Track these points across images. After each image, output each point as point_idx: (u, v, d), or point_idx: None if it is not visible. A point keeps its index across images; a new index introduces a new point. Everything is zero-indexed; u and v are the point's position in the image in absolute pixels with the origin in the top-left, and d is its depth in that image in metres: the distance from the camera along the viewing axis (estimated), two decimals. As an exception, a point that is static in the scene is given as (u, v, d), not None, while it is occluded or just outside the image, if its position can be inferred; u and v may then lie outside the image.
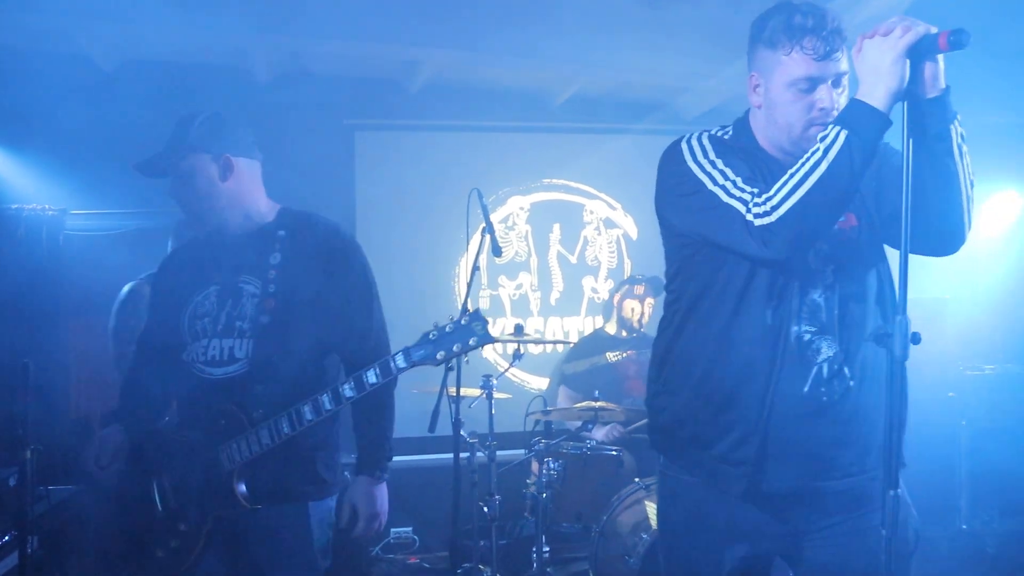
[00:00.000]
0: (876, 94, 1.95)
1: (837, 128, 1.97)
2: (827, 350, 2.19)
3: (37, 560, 2.81)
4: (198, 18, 4.86)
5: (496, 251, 4.39)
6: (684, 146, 2.25)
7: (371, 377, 2.56)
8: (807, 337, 2.19)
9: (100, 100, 5.22)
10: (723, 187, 2.09)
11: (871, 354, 2.22)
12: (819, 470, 2.21)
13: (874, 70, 1.95)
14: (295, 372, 2.65)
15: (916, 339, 1.91)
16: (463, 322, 2.55)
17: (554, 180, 6.77)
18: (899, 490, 2.17)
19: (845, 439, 2.22)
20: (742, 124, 2.33)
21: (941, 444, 5.94)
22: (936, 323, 6.23)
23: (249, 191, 2.78)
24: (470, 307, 2.72)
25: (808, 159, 1.98)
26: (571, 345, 5.99)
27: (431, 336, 2.56)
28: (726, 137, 2.30)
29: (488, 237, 4.38)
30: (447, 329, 2.56)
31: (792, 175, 1.99)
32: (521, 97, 6.56)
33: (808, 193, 1.96)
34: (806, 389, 2.18)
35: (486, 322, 2.56)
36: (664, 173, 2.30)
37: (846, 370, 2.20)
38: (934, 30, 1.92)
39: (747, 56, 2.26)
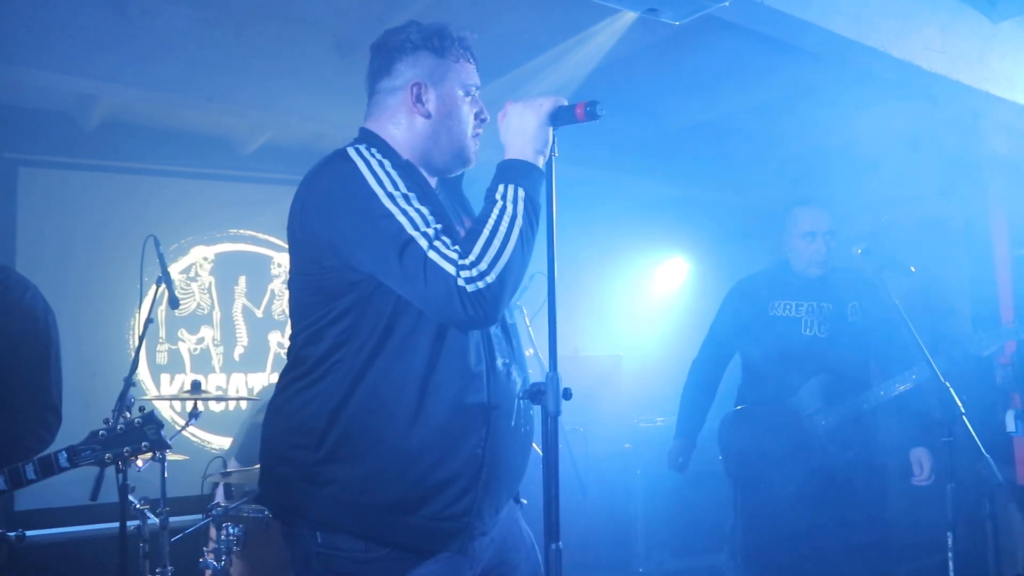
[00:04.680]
0: (527, 155, 2.00)
1: (512, 185, 1.96)
2: (519, 380, 2.15)
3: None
4: None
5: (173, 303, 4.14)
6: (363, 168, 1.98)
7: (30, 473, 2.42)
8: (507, 369, 2.12)
9: None
10: (425, 235, 1.87)
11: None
12: (509, 497, 2.21)
13: (521, 133, 2.02)
14: None
15: (567, 395, 1.93)
16: (136, 423, 2.46)
17: (241, 231, 6.54)
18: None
19: (523, 465, 2.22)
20: (379, 143, 2.12)
21: (618, 493, 6.26)
22: (612, 379, 6.61)
23: None
24: (145, 408, 2.56)
25: (499, 217, 1.92)
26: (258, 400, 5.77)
27: (100, 435, 2.45)
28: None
29: (165, 288, 4.12)
30: (118, 429, 2.45)
31: (492, 236, 1.90)
32: (208, 142, 6.30)
33: (513, 252, 1.90)
34: (512, 424, 2.11)
35: (161, 426, 2.50)
36: (340, 195, 1.98)
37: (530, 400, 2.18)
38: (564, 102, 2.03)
39: (391, 66, 2.17)
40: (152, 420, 2.48)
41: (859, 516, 3.80)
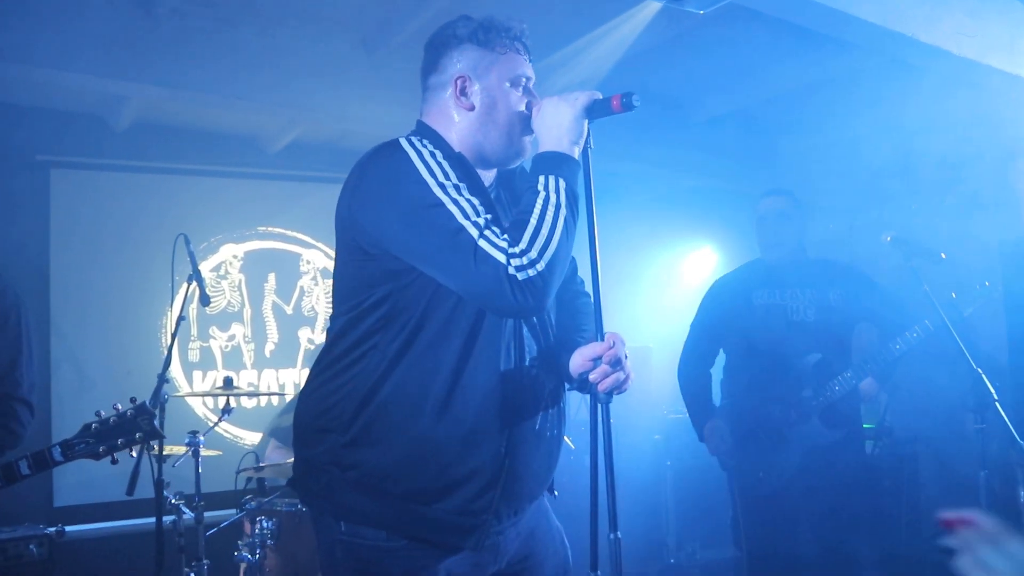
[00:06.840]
0: (563, 146, 1.99)
1: (552, 176, 1.96)
2: (547, 382, 2.14)
3: None
4: None
5: (204, 301, 4.18)
6: (414, 157, 1.97)
7: (23, 468, 2.43)
8: (534, 371, 2.11)
9: None
10: (476, 224, 1.87)
11: (562, 383, 2.21)
12: (532, 500, 2.20)
13: (556, 126, 2.01)
14: None
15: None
16: (128, 414, 2.47)
17: (270, 228, 6.58)
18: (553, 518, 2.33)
19: (549, 469, 2.21)
20: (432, 135, 2.14)
21: (649, 485, 6.26)
22: (642, 370, 6.54)
23: None
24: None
25: (544, 206, 1.92)
26: (286, 397, 5.80)
27: (93, 428, 2.46)
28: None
29: (196, 286, 4.16)
30: (111, 422, 2.46)
31: (540, 224, 1.90)
32: (237, 141, 6.35)
33: (560, 240, 1.90)
34: (537, 427, 2.11)
35: (153, 415, 2.52)
36: (391, 183, 1.97)
37: (561, 403, 2.20)
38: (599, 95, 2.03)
39: (438, 61, 2.17)
40: (144, 411, 2.49)
41: (854, 495, 3.83)
